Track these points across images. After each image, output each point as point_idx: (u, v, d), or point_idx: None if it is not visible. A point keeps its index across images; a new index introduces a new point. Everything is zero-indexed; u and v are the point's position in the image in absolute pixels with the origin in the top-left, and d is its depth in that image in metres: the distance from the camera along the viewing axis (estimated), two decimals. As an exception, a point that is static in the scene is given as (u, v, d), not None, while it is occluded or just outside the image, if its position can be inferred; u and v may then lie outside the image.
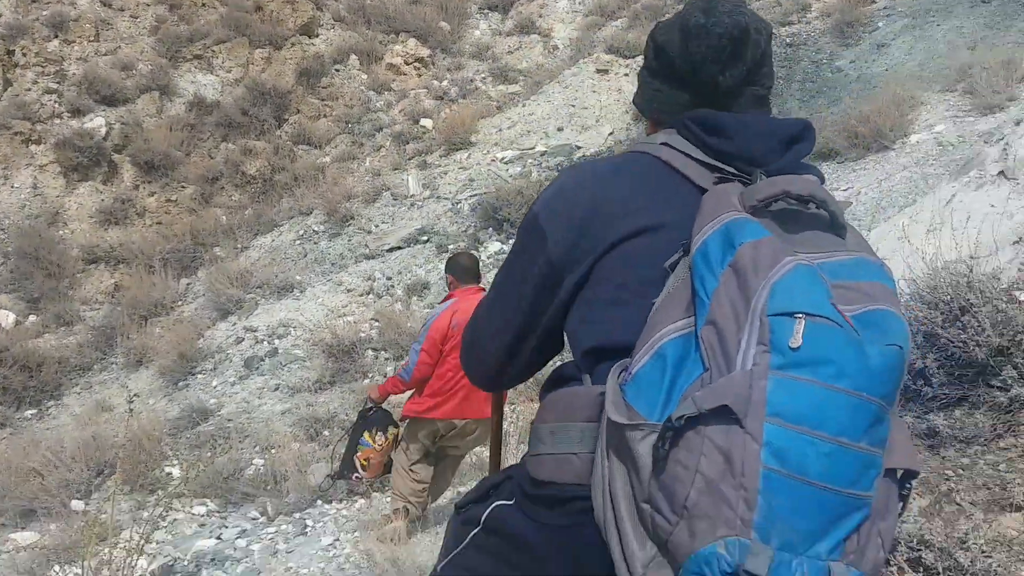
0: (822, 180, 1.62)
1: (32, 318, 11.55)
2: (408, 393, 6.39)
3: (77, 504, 8.14)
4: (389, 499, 6.74)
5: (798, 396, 1.32)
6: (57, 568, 7.26)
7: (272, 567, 7.14)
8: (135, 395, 9.74)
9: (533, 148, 12.91)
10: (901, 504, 1.45)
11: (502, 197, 11.51)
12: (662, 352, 1.43)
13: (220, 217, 13.37)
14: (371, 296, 10.75)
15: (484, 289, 6.33)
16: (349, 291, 10.91)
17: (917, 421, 2.75)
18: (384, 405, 6.49)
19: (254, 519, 7.87)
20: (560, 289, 1.65)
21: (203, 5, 16.63)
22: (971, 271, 2.99)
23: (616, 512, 1.44)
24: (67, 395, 10.36)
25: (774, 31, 1.92)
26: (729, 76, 1.71)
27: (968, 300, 2.82)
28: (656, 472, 1.38)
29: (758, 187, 1.50)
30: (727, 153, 1.62)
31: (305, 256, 11.88)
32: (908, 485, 1.45)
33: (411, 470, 6.39)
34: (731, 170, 1.61)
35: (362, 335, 10.07)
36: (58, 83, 14.40)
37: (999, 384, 2.64)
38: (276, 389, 9.48)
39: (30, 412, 10.05)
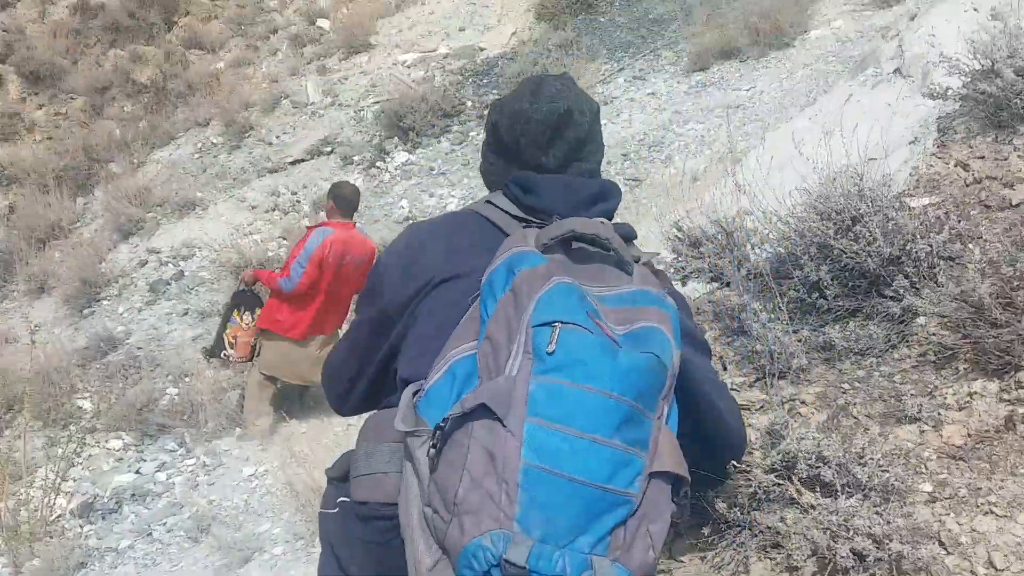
0: (632, 237, 1.87)
1: (-77, 244, 11.14)
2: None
3: (-12, 443, 8.03)
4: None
5: (554, 397, 1.47)
6: (-28, 511, 7.22)
7: (194, 500, 7.20)
8: (37, 325, 9.51)
9: (435, 50, 12.68)
10: (679, 510, 1.58)
11: (405, 104, 11.34)
12: (452, 370, 1.63)
13: (114, 130, 12.89)
14: (276, 212, 10.59)
15: (355, 226, 7.23)
16: (253, 208, 10.72)
17: (813, 335, 2.84)
18: None
19: (172, 451, 7.87)
20: (392, 332, 1.88)
21: (80, -101, 15.67)
22: (861, 179, 3.08)
23: (409, 521, 1.58)
24: (-32, 330, 10.08)
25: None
26: (552, 156, 1.94)
27: (859, 210, 2.89)
28: (432, 474, 1.52)
29: (550, 228, 1.73)
30: (536, 208, 1.87)
31: (205, 171, 11.59)
32: (683, 491, 1.58)
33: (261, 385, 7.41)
34: (538, 221, 1.84)
35: (270, 254, 9.95)
36: (-72, -8, 13.56)
37: (892, 294, 2.73)
38: (185, 314, 9.37)
39: (-74, 348, 9.78)
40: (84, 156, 12.37)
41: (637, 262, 1.79)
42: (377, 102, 11.91)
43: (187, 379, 8.56)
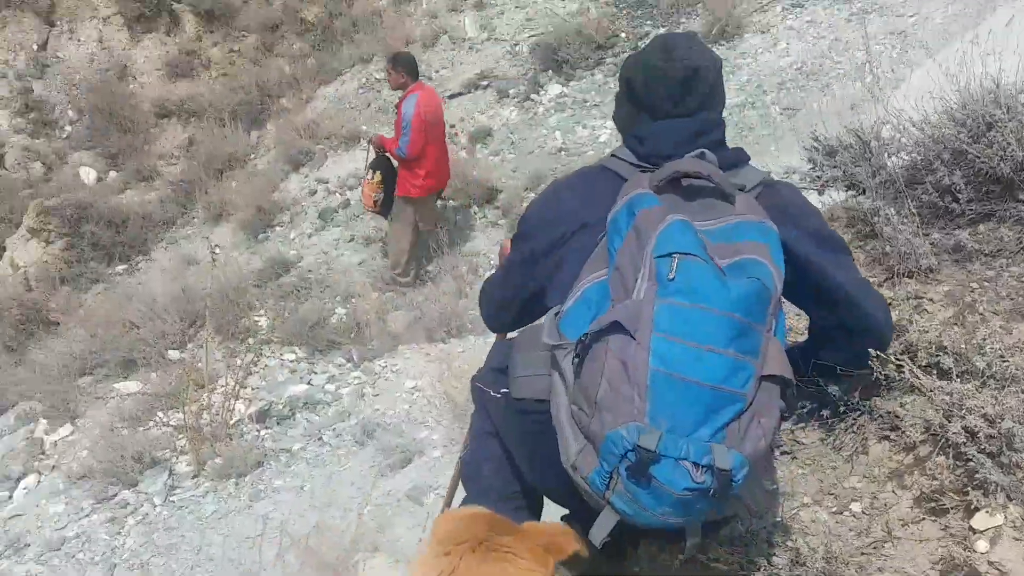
0: (743, 161, 2.24)
1: (113, 174, 12.04)
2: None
3: (173, 354, 8.77)
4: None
5: (676, 315, 1.78)
6: (160, 414, 7.97)
7: (360, 409, 7.75)
8: (218, 247, 10.22)
9: (590, -16, 12.75)
10: (787, 407, 1.90)
11: (560, 38, 11.50)
12: (586, 295, 2.00)
13: (283, 67, 13.53)
14: (436, 145, 10.97)
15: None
16: (414, 140, 11.13)
17: (944, 237, 2.92)
18: None
19: (340, 365, 8.44)
20: (537, 270, 2.27)
21: None
22: (998, 86, 3.12)
23: (559, 415, 1.96)
24: (154, 250, 10.92)
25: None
26: (683, 108, 2.24)
27: (994, 116, 2.94)
28: (576, 379, 1.90)
29: (660, 171, 2.05)
30: (651, 154, 2.21)
31: (369, 106, 12.08)
32: (789, 390, 1.89)
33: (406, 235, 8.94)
34: (652, 167, 2.15)
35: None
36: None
37: None
38: (351, 240, 9.90)
39: (121, 267, 10.65)
40: (257, 91, 13.06)
41: (742, 190, 2.09)
42: (533, 36, 12.11)
43: (354, 300, 9.10)
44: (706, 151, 2.14)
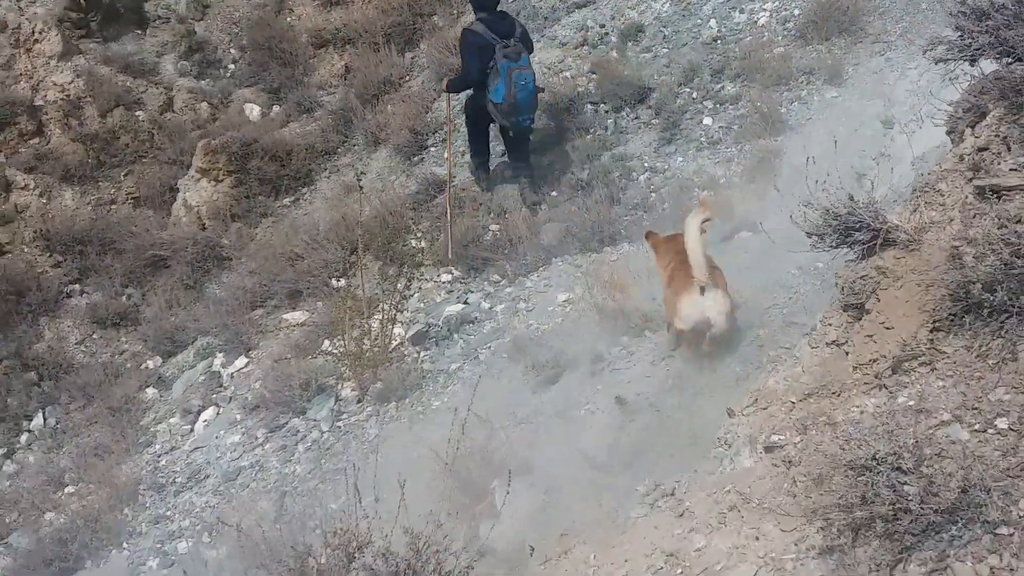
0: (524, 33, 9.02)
1: (276, 108, 12.28)
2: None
3: (336, 282, 8.92)
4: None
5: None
6: (326, 342, 8.14)
7: (515, 325, 7.66)
8: (362, 173, 10.29)
9: None
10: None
11: (713, -80, 10.77)
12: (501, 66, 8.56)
13: (431, -18, 13.34)
14: (586, 47, 10.59)
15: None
16: (563, 45, 10.78)
17: None
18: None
19: (496, 282, 8.37)
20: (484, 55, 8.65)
21: None
22: None
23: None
24: (318, 180, 11.11)
25: None
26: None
27: None
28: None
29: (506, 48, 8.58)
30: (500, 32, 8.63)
31: (519, 14, 11.72)
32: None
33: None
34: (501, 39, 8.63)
35: (579, 90, 10.05)
36: None
37: None
38: (502, 156, 9.71)
39: (287, 200, 10.89)
40: (409, 12, 12.92)
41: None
42: (684, -79, 11.39)
43: (506, 216, 8.96)
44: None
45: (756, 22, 9.55)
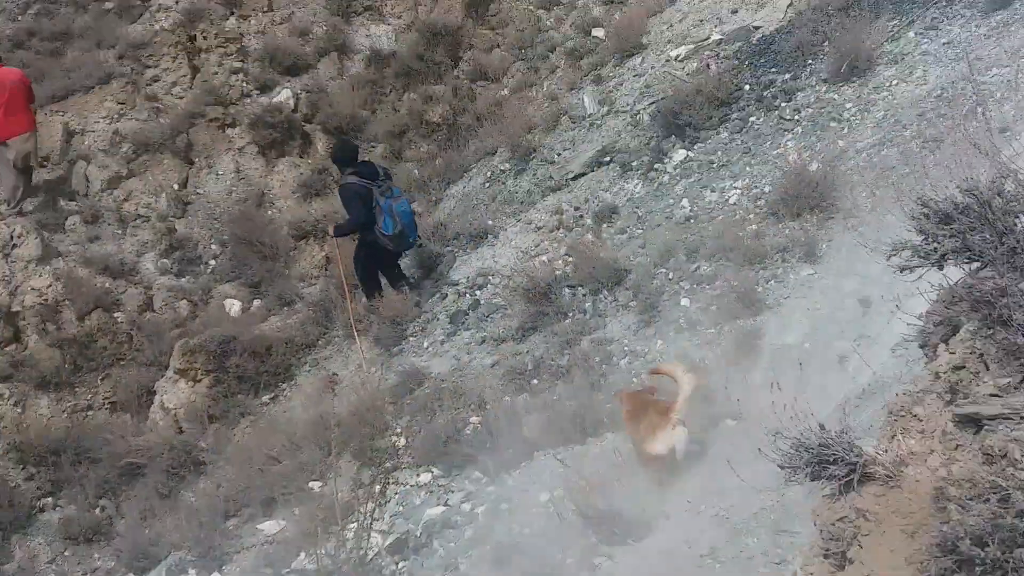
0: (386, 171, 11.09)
1: (256, 303, 12.22)
2: None
3: (315, 485, 8.61)
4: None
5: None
6: (303, 555, 7.77)
7: (496, 530, 7.32)
8: (335, 374, 10.16)
9: (707, 39, 12.17)
10: None
11: (681, 100, 10.98)
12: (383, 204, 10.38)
13: (412, 171, 13.53)
14: (561, 231, 10.62)
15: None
16: (539, 229, 10.83)
17: None
18: None
19: (477, 480, 8.07)
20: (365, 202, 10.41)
21: (363, -46, 16.61)
22: None
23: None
24: (299, 375, 10.93)
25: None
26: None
27: None
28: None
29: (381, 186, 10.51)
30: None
31: (495, 199, 11.86)
32: None
33: None
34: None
35: (557, 273, 10.00)
36: (242, 61, 14.80)
37: None
38: (483, 342, 9.61)
39: (267, 397, 10.69)
40: (387, 199, 13.09)
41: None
42: (652, 102, 11.62)
43: (488, 407, 8.74)
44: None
45: (728, 200, 9.58)
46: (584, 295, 9.62)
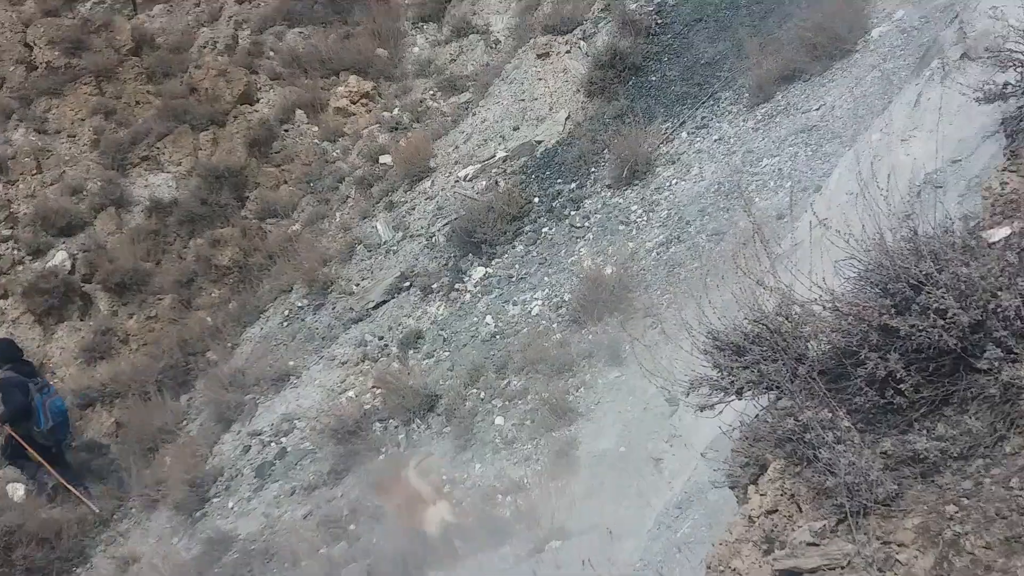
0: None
1: (43, 483, 11.11)
2: None
3: None
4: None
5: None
6: None
7: None
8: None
9: (494, 157, 12.25)
10: None
11: (474, 219, 10.90)
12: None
13: (205, 319, 12.86)
14: (367, 363, 10.19)
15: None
16: (344, 363, 10.37)
17: (898, 446, 2.17)
18: None
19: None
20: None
21: (137, 103, 16.06)
22: (915, 233, 2.40)
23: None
24: (94, 555, 9.92)
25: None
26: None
27: (921, 271, 2.22)
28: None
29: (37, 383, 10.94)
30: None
31: (294, 338, 11.35)
32: None
33: None
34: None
35: (366, 407, 9.53)
36: (11, 228, 13.92)
37: (985, 368, 2.02)
38: (292, 493, 8.98)
39: (60, 589, 9.61)
40: (181, 352, 12.33)
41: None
42: (446, 223, 11.51)
43: (304, 563, 8.08)
44: None
45: (530, 312, 9.44)
46: (396, 427, 9.19)
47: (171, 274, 13.61)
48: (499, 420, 8.54)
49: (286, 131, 15.75)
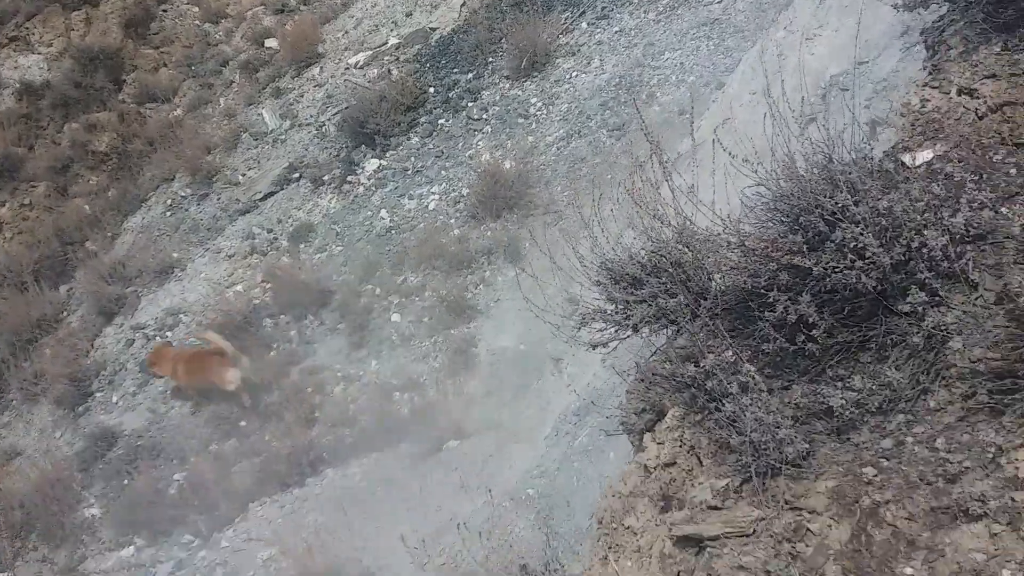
0: None
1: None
2: None
3: (1, 578, 7.46)
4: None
5: None
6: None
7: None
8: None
9: (386, 44, 11.82)
10: None
11: (365, 108, 10.52)
12: None
13: (83, 207, 12.23)
14: (255, 256, 9.88)
15: None
16: (231, 256, 10.03)
17: (809, 398, 2.00)
18: None
19: (188, 544, 7.24)
20: None
21: (1, -22, 14.92)
22: (831, 160, 2.23)
23: None
24: (-29, 448, 9.52)
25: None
26: None
27: (836, 204, 2.04)
28: None
29: None
30: None
31: (178, 229, 10.91)
32: None
33: None
34: None
35: (256, 303, 9.27)
36: None
37: (907, 311, 1.86)
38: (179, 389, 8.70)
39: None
40: (58, 242, 11.74)
41: None
42: (337, 112, 11.11)
43: (192, 459, 7.92)
44: None
45: (427, 207, 9.25)
46: (288, 323, 8.97)
47: (45, 160, 12.85)
48: (395, 317, 8.41)
49: (164, 11, 14.87)
